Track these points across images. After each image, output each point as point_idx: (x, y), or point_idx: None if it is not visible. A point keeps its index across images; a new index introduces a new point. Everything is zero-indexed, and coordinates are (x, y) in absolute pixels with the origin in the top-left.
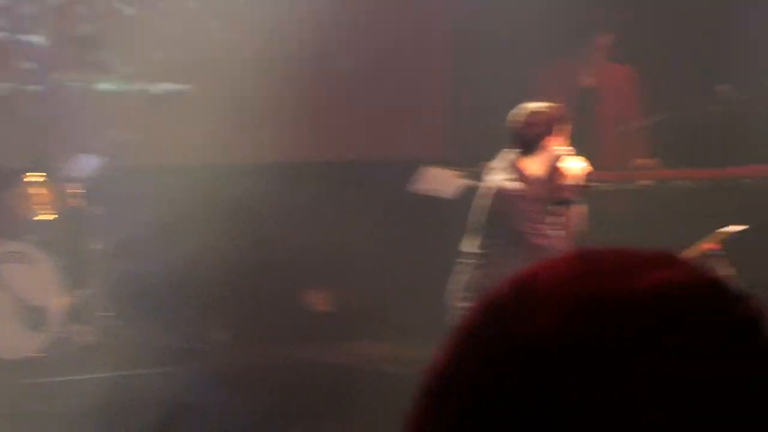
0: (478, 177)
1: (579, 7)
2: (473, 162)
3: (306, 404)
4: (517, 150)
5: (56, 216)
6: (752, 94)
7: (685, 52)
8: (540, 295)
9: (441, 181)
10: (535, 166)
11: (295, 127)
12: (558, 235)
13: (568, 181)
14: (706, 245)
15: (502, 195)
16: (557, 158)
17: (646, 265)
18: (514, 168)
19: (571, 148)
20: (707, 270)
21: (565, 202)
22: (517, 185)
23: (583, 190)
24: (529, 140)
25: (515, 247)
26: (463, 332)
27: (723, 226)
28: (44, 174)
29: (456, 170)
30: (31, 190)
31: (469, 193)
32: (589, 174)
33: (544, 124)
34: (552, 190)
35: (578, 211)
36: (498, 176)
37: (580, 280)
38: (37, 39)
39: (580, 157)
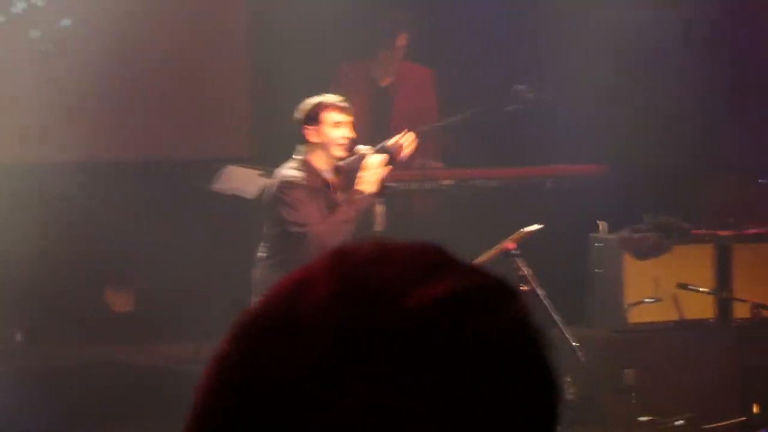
0: None
1: (379, 6)
2: (279, 161)
3: (106, 405)
4: (300, 144)
5: None
6: (551, 94)
7: (483, 51)
8: (300, 324)
9: (243, 180)
10: (319, 159)
11: (100, 126)
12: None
13: (363, 177)
14: (506, 245)
15: (283, 187)
16: (356, 154)
17: (414, 277)
18: (303, 161)
19: (363, 146)
20: (475, 271)
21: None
22: (297, 174)
23: (381, 189)
24: (300, 133)
25: (296, 240)
26: (221, 362)
27: (521, 226)
28: None
29: (258, 169)
30: None
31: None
32: (386, 172)
33: (308, 116)
34: (344, 185)
35: (378, 210)
36: (283, 169)
37: (342, 304)
38: None
39: (378, 154)
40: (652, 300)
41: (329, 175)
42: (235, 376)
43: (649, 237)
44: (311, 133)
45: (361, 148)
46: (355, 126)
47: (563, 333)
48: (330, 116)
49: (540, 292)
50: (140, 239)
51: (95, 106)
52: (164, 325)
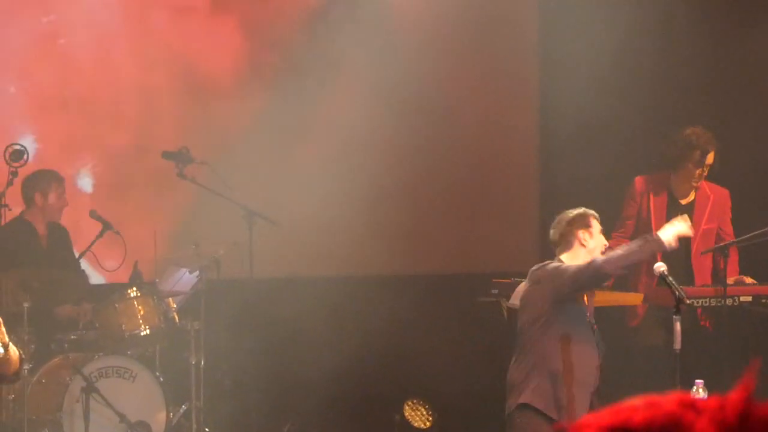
0: None
1: (680, 124)
2: None
3: None
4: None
5: (156, 330)
6: None
7: None
8: None
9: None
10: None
11: (397, 242)
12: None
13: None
14: None
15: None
16: (656, 272)
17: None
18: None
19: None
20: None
21: None
22: None
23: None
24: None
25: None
26: None
27: None
28: (143, 288)
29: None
30: (131, 305)
31: None
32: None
33: (583, 222)
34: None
35: (677, 328)
36: None
37: None
38: None
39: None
40: None
41: None
42: None
43: None
44: (583, 237)
45: (659, 266)
46: None
47: None
48: (597, 224)
49: None
50: (436, 353)
51: (390, 224)
52: None
